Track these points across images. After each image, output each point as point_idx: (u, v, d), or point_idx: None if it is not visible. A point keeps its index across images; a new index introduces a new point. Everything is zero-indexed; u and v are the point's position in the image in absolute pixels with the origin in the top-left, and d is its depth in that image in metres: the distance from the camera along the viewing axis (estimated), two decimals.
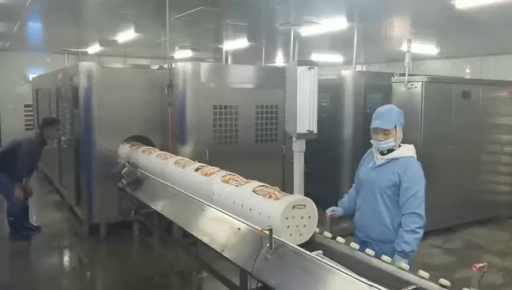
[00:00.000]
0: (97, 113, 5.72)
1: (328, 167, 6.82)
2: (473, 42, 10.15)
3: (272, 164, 6.12)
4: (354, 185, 3.36)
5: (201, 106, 5.55)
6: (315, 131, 3.29)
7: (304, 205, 2.68)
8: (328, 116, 6.83)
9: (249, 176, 3.29)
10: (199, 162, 4.31)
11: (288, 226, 2.61)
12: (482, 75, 9.29)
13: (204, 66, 5.61)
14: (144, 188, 4.89)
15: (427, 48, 12.05)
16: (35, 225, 6.33)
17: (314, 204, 2.72)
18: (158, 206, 4.38)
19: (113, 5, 7.53)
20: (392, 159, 2.98)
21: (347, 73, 6.74)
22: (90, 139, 5.76)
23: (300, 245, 2.56)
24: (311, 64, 3.16)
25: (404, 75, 5.81)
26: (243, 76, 5.90)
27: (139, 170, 5.07)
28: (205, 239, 3.20)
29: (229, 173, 3.56)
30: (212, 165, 3.83)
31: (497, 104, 6.74)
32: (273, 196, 2.79)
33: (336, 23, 8.47)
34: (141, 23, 9.31)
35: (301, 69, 3.12)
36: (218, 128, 5.69)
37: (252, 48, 11.94)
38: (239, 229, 2.91)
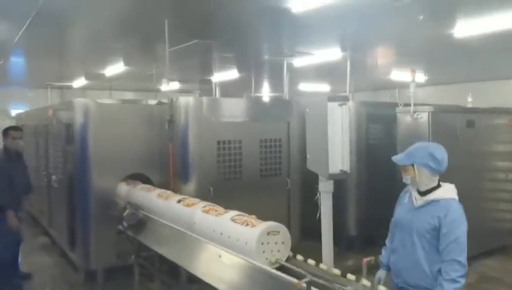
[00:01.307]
0: (93, 151, 5.42)
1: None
2: (462, 69, 10.28)
3: (277, 198, 5.91)
4: (388, 236, 3.14)
5: (205, 142, 5.33)
6: (348, 171, 3.09)
7: (278, 231, 2.89)
8: None
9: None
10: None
11: (263, 251, 2.82)
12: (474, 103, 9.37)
13: (206, 100, 5.42)
14: (147, 231, 4.61)
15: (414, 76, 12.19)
16: (25, 272, 5.88)
17: (287, 230, 2.92)
18: (167, 251, 4.08)
19: (103, 39, 7.40)
20: (432, 200, 2.79)
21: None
22: (86, 178, 5.44)
23: None
24: (343, 100, 2.99)
25: (409, 105, 5.73)
26: (246, 109, 5.72)
27: (141, 211, 4.78)
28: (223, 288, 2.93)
29: (210, 203, 3.85)
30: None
31: (499, 132, 6.71)
32: (249, 223, 3.03)
33: (328, 53, 8.49)
34: (131, 57, 9.17)
35: (332, 105, 2.95)
36: (222, 164, 5.46)
37: (241, 79, 11.89)
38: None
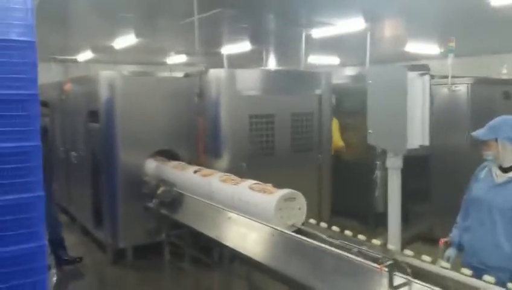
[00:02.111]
0: (120, 126, 5.21)
1: (357, 179, 6.49)
2: (492, 39, 9.98)
3: (309, 174, 5.74)
4: (460, 213, 2.99)
5: (237, 116, 5.12)
6: (428, 145, 2.92)
7: (294, 198, 3.08)
8: (353, 122, 6.51)
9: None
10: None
11: (281, 217, 3.00)
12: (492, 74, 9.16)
13: (240, 73, 5.18)
14: (181, 208, 4.46)
15: (429, 47, 11.92)
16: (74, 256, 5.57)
17: (303, 197, 3.10)
18: (203, 228, 3.93)
19: (113, 9, 7.08)
20: None
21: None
22: (114, 155, 5.25)
23: None
24: (424, 70, 2.79)
25: (445, 77, 5.52)
26: (278, 82, 5.49)
27: (175, 188, 4.61)
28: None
29: (226, 174, 4.09)
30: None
31: None
32: (267, 191, 3.25)
33: (349, 23, 8.21)
34: (143, 28, 8.86)
35: (412, 75, 2.74)
36: (255, 139, 5.27)
37: (251, 52, 11.59)
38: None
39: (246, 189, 3.48)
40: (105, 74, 5.24)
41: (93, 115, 5.52)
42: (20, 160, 2.69)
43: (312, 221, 3.11)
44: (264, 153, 5.36)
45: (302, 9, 7.43)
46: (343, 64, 15.38)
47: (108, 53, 11.91)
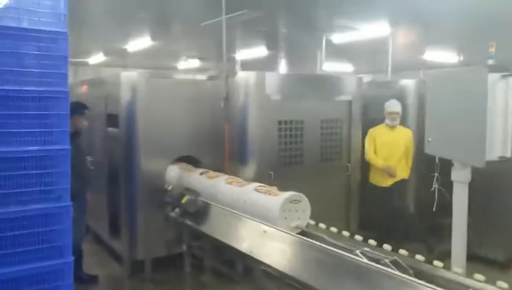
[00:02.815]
0: (142, 131, 4.92)
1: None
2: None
3: (337, 185, 5.44)
4: None
5: (265, 122, 4.83)
6: (509, 156, 2.60)
7: (299, 200, 3.19)
8: None
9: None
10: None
11: (285, 218, 3.10)
12: None
13: (269, 76, 4.89)
14: (206, 218, 4.17)
15: (446, 55, 11.64)
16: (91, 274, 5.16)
17: (307, 200, 3.22)
18: (241, 244, 3.62)
19: (129, 9, 6.83)
20: None
21: (409, 82, 6.11)
22: (134, 161, 4.96)
23: None
24: (507, 71, 2.49)
25: None
26: (308, 87, 5.20)
27: (200, 198, 4.32)
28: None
29: (231, 176, 4.21)
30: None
31: None
32: (272, 193, 3.36)
33: (373, 29, 7.95)
34: (158, 30, 8.61)
35: (493, 78, 2.44)
36: (283, 146, 4.97)
37: (266, 57, 11.33)
38: None
39: (251, 191, 3.56)
40: (127, 75, 4.97)
41: (112, 119, 5.24)
42: (45, 165, 2.41)
43: (311, 222, 3.23)
44: (293, 161, 5.06)
45: (325, 11, 7.16)
46: (356, 72, 15.10)
47: (119, 56, 11.68)
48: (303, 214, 3.21)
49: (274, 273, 3.02)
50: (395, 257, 2.46)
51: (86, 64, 13.06)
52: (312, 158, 5.19)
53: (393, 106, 5.41)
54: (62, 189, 2.40)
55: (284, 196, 3.20)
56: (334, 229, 3.12)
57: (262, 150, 4.83)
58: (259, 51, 10.75)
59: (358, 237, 2.89)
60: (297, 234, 3.00)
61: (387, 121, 5.41)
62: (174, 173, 5.01)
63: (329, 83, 5.36)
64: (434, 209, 3.27)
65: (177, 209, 4.56)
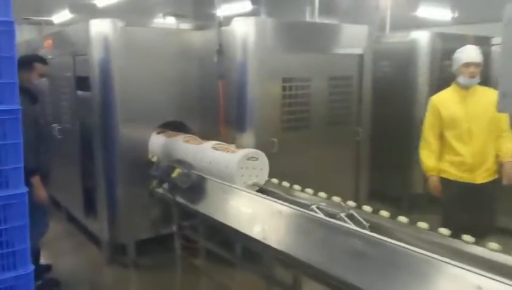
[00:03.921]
0: (119, 93, 4.10)
1: (396, 157, 5.58)
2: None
3: (345, 152, 4.78)
4: None
5: (267, 79, 4.07)
6: None
7: (257, 158, 3.14)
8: (394, 91, 5.55)
9: (319, 167, 3.23)
10: (267, 155, 3.30)
11: (242, 175, 3.08)
12: None
13: (271, 24, 4.09)
14: (198, 194, 3.48)
15: (440, 13, 10.97)
16: (45, 263, 4.37)
17: (266, 157, 3.15)
18: (252, 229, 2.95)
19: None
20: None
21: (422, 35, 5.41)
22: (111, 130, 4.16)
23: None
24: None
25: None
26: (316, 37, 4.43)
27: (194, 171, 3.60)
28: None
29: (188, 135, 4.06)
30: (280, 158, 3.64)
31: None
32: (229, 150, 3.31)
33: None
34: None
35: None
36: (288, 108, 4.24)
37: (250, 12, 10.43)
38: None
39: (208, 149, 3.49)
40: (97, 25, 4.07)
41: (82, 81, 4.39)
42: None
43: (274, 180, 3.16)
44: (299, 126, 4.35)
45: None
46: None
47: (87, 13, 10.53)
48: (261, 172, 3.17)
49: (280, 257, 2.64)
50: (351, 211, 2.43)
51: (50, 23, 11.84)
52: (319, 122, 4.49)
53: (470, 53, 3.57)
54: (11, 170, 1.63)
55: (241, 153, 3.16)
56: (297, 187, 3.01)
57: (263, 112, 4.09)
58: (242, 6, 9.82)
59: (321, 194, 2.82)
60: (257, 191, 2.97)
61: (460, 78, 3.59)
62: (158, 141, 4.26)
63: (338, 33, 4.58)
64: None
65: (165, 185, 3.84)
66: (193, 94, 4.44)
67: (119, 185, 4.26)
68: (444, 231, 2.13)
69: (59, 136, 5.20)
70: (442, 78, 5.41)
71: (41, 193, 3.59)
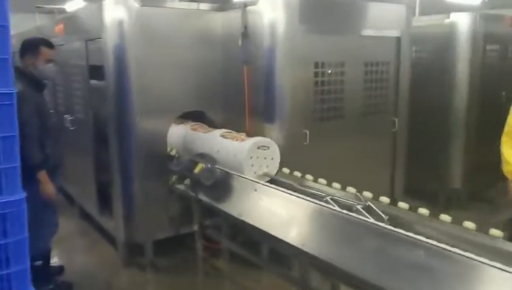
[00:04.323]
0: (135, 81, 3.74)
1: (432, 149, 5.16)
2: None
3: (381, 144, 4.38)
4: None
5: (298, 64, 3.67)
6: None
7: (268, 147, 3.09)
8: (430, 78, 5.11)
9: (353, 161, 3.10)
10: (295, 147, 3.45)
11: (252, 165, 3.01)
12: None
13: (301, 3, 3.64)
14: (222, 191, 3.15)
15: None
16: (57, 265, 4.06)
17: (277, 146, 3.11)
18: (285, 232, 2.63)
19: None
20: None
21: (462, 17, 4.95)
22: (126, 121, 3.81)
23: None
24: None
25: None
26: (350, 17, 4.02)
27: (218, 167, 3.26)
28: None
29: (196, 123, 3.88)
30: (311, 151, 3.59)
31: None
32: (239, 139, 3.21)
33: None
34: None
35: None
36: (320, 96, 3.85)
37: None
38: None
39: (216, 137, 3.37)
40: (111, 5, 3.70)
41: (98, 69, 4.05)
42: None
43: (285, 170, 3.13)
44: (331, 115, 3.96)
45: None
46: None
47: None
48: (271, 162, 3.08)
49: (310, 260, 2.44)
50: (369, 203, 2.34)
51: (63, 11, 11.55)
52: (353, 111, 4.10)
53: None
54: (4, 171, 1.28)
55: (251, 141, 3.04)
56: (309, 177, 2.95)
57: (294, 101, 3.69)
58: None
59: (335, 185, 2.74)
60: (267, 182, 2.89)
61: None
62: (177, 133, 3.91)
63: (374, 13, 4.15)
64: None
65: (186, 181, 3.50)
66: (215, 82, 4.06)
67: (135, 180, 3.92)
68: (496, 232, 1.96)
69: (71, 128, 4.89)
70: (486, 64, 4.98)
71: (49, 188, 3.27)
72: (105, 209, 4.43)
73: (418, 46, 5.11)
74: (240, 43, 3.74)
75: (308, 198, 2.47)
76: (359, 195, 2.49)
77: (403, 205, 2.32)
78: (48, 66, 3.47)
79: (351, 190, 2.58)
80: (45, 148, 3.32)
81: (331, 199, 2.46)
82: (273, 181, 2.96)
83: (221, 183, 3.20)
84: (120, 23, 3.67)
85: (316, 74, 3.75)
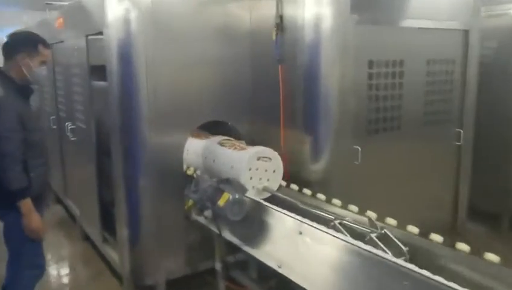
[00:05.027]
0: (146, 86, 3.02)
1: (498, 165, 4.35)
2: None
3: (443, 160, 3.60)
4: None
5: (348, 63, 2.91)
6: None
7: (270, 158, 2.71)
8: (496, 79, 4.28)
9: (411, 180, 2.63)
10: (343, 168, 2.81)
11: (251, 178, 2.63)
12: None
13: None
14: (265, 234, 2.43)
15: None
16: None
17: (279, 158, 2.73)
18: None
19: None
20: None
21: None
22: (134, 131, 3.09)
23: None
24: None
25: None
26: (409, 4, 3.24)
27: (248, 196, 2.53)
28: None
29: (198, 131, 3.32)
30: (366, 173, 2.85)
31: None
32: (238, 147, 2.85)
33: None
34: None
35: None
36: (375, 103, 3.08)
37: None
38: None
39: (213, 144, 3.02)
40: None
41: (101, 69, 3.34)
42: None
43: (294, 186, 2.76)
44: (389, 127, 3.19)
45: None
46: None
47: None
48: (273, 175, 2.75)
49: None
50: (384, 230, 1.96)
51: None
52: (413, 120, 3.33)
53: None
54: None
55: (251, 151, 2.71)
56: (321, 197, 2.54)
57: (343, 109, 2.93)
58: None
59: (352, 207, 2.33)
60: (266, 198, 2.60)
61: None
62: (195, 148, 3.19)
63: (437, 1, 3.37)
64: None
65: (207, 212, 2.77)
66: (242, 85, 3.33)
67: (143, 203, 3.20)
68: None
69: (73, 138, 4.21)
70: None
71: (34, 221, 2.57)
72: (109, 234, 3.73)
73: (485, 41, 4.30)
74: (273, 37, 2.99)
75: (313, 223, 2.07)
76: (373, 220, 2.08)
77: (434, 236, 1.88)
78: (41, 68, 2.81)
79: (371, 214, 2.13)
80: (30, 169, 2.62)
81: (340, 224, 2.10)
82: (274, 197, 2.61)
83: (253, 218, 2.47)
84: (126, 14, 2.95)
85: (370, 76, 2.99)
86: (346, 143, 2.93)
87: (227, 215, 2.41)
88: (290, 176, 2.94)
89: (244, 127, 3.37)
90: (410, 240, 1.94)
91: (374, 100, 3.04)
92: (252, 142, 3.21)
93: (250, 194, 2.55)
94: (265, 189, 2.70)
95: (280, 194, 2.63)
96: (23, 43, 2.76)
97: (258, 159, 2.67)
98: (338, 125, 2.91)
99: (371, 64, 2.99)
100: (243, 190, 2.49)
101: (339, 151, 2.90)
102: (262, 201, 2.48)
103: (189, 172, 3.17)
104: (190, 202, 3.07)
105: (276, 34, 2.99)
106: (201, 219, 2.85)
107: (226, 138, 3.12)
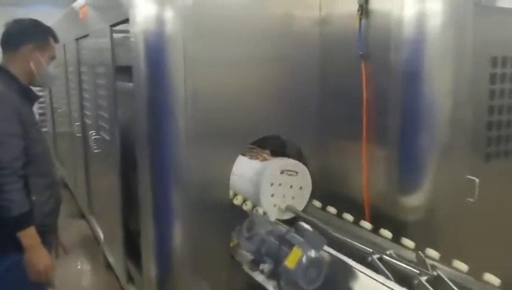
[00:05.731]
0: (183, 93, 2.29)
1: None
2: None
3: None
4: None
5: (465, 61, 2.10)
6: None
7: (296, 172, 2.42)
8: None
9: None
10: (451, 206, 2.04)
11: (272, 195, 2.35)
12: None
13: None
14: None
15: None
16: None
17: (308, 172, 2.44)
18: None
19: None
20: None
21: None
22: (166, 149, 2.37)
23: None
24: None
25: None
26: None
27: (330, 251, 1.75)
28: None
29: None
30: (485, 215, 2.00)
31: None
32: (260, 157, 2.48)
33: None
34: None
35: None
36: (498, 115, 2.25)
37: None
38: None
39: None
40: None
41: (128, 70, 2.65)
42: None
43: (317, 204, 2.42)
44: (509, 149, 2.35)
45: None
46: None
47: None
48: (299, 192, 2.39)
49: None
50: (437, 272, 1.60)
51: None
52: None
53: None
54: None
55: (275, 163, 2.35)
56: (349, 217, 2.17)
57: (455, 123, 2.11)
58: None
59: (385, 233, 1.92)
60: (287, 219, 2.27)
61: None
62: (246, 171, 2.46)
63: None
64: None
65: (265, 266, 1.99)
66: (307, 90, 2.56)
67: (176, 235, 2.48)
68: None
69: (96, 150, 3.55)
70: None
71: (41, 259, 1.88)
72: (135, 266, 3.03)
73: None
74: (357, 25, 2.21)
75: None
76: (423, 256, 1.64)
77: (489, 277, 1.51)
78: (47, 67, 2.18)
79: (432, 253, 1.69)
80: (32, 190, 1.95)
81: (379, 260, 1.74)
82: (298, 218, 2.23)
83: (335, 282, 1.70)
84: (160, 20, 2.25)
85: (492, 78, 2.16)
86: (457, 171, 2.10)
87: (299, 283, 1.63)
88: (371, 212, 2.17)
89: (310, 144, 2.60)
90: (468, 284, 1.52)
91: (496, 112, 2.21)
92: (318, 165, 2.46)
93: (271, 214, 2.22)
94: (288, 209, 2.34)
95: (306, 216, 2.23)
96: (32, 31, 2.14)
97: (282, 172, 2.35)
98: (446, 146, 2.10)
99: (494, 62, 2.17)
100: (320, 242, 1.71)
101: (447, 182, 2.09)
102: (278, 222, 2.11)
103: (237, 202, 2.44)
104: (235, 241, 2.36)
105: (360, 20, 2.21)
106: (258, 276, 2.08)
107: (249, 145, 2.54)
